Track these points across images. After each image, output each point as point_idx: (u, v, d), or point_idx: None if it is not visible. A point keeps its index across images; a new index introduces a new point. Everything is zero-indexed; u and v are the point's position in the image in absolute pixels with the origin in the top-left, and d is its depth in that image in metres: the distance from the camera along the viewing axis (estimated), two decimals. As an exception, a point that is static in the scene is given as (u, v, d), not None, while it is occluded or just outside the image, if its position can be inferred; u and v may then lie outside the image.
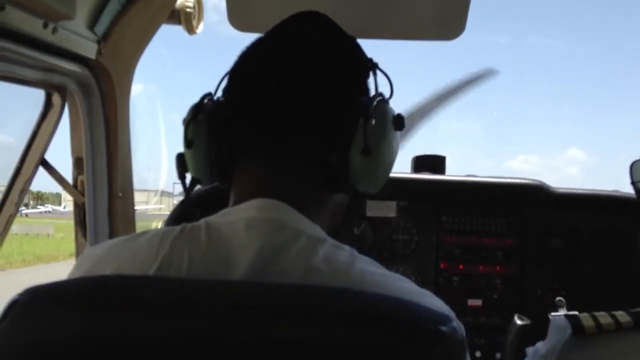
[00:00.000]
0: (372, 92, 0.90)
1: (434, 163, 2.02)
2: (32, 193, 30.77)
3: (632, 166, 0.86)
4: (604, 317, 0.74)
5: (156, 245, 0.78)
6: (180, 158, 0.92)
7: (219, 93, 0.91)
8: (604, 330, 0.72)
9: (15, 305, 0.67)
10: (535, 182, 1.88)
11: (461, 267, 1.87)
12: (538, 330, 1.79)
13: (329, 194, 0.89)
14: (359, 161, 0.84)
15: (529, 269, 1.85)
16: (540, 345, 0.81)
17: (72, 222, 1.74)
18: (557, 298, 1.73)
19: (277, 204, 0.82)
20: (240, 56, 0.92)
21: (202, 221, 0.82)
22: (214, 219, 0.82)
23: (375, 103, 0.85)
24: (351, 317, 0.65)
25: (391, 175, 1.95)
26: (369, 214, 1.90)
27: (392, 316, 0.66)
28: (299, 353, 0.63)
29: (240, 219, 0.80)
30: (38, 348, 0.65)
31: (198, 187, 0.98)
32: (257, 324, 0.65)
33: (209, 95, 0.90)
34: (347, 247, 0.81)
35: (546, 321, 1.70)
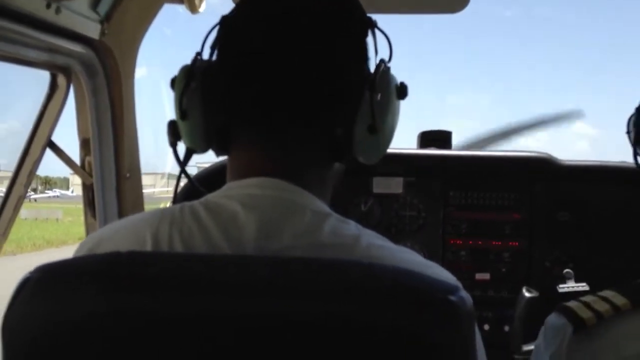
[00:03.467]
0: (371, 52, 0.87)
1: (440, 138, 2.01)
2: (40, 178, 30.98)
3: (630, 118, 0.87)
4: (598, 303, 0.71)
5: (155, 225, 0.78)
6: (172, 126, 0.88)
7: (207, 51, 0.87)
8: (604, 318, 0.70)
9: (27, 283, 0.68)
10: (542, 155, 1.87)
11: (469, 241, 1.87)
12: (546, 302, 1.80)
13: (329, 166, 0.88)
14: (365, 136, 0.83)
15: (537, 242, 1.85)
16: (540, 354, 0.77)
17: (80, 206, 1.75)
18: (565, 270, 1.73)
19: (278, 183, 0.81)
20: (229, 18, 0.87)
21: (202, 199, 0.81)
22: (213, 197, 0.82)
23: (380, 74, 0.84)
24: (359, 290, 0.65)
25: (397, 151, 1.94)
26: (375, 190, 1.89)
27: (401, 287, 0.66)
28: (309, 326, 0.64)
29: (241, 195, 0.80)
30: (52, 324, 0.66)
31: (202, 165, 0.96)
32: (272, 299, 0.65)
33: (199, 57, 0.86)
34: (352, 222, 0.81)
35: (554, 293, 1.71)
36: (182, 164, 0.92)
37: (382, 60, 0.86)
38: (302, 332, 0.64)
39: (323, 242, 0.76)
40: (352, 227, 0.80)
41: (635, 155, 0.79)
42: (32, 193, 49.37)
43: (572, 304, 0.73)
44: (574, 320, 0.70)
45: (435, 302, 0.65)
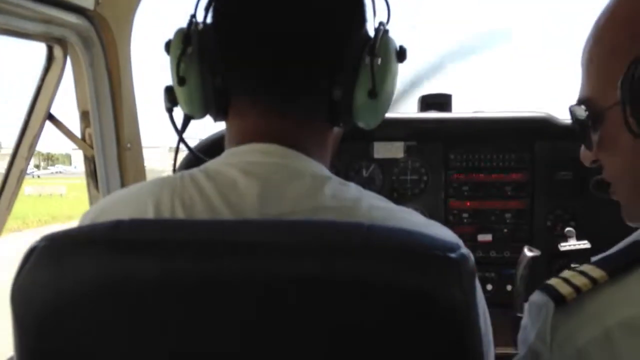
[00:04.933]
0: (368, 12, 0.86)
1: (440, 101, 2.00)
2: (42, 154, 31.08)
3: (570, 109, 0.88)
4: (577, 278, 0.71)
5: (156, 194, 0.78)
6: (169, 92, 0.88)
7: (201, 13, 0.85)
8: (583, 292, 0.70)
9: (34, 252, 0.68)
10: (543, 115, 1.86)
11: (470, 203, 1.88)
12: (548, 261, 1.82)
13: (328, 131, 0.88)
14: (364, 101, 0.82)
15: (539, 201, 1.86)
16: (527, 332, 0.77)
17: (84, 181, 1.75)
18: (567, 229, 1.74)
19: (277, 148, 0.81)
20: None
21: (201, 167, 0.82)
22: (213, 164, 0.82)
23: (380, 37, 0.83)
24: (361, 250, 0.65)
25: (397, 115, 1.93)
26: (376, 156, 1.90)
27: (401, 246, 0.67)
28: (313, 288, 0.64)
29: (240, 162, 0.80)
30: (59, 291, 0.67)
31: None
32: (275, 258, 0.65)
33: (194, 20, 0.84)
34: (352, 184, 0.81)
35: (556, 252, 1.73)
36: (180, 131, 0.92)
37: (381, 23, 0.85)
38: (306, 290, 0.64)
39: (324, 206, 0.76)
40: (352, 189, 0.80)
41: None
42: (35, 170, 49.43)
43: (552, 281, 0.73)
44: (554, 297, 0.70)
45: (435, 260, 0.65)
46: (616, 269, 0.69)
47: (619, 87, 0.74)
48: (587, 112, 0.83)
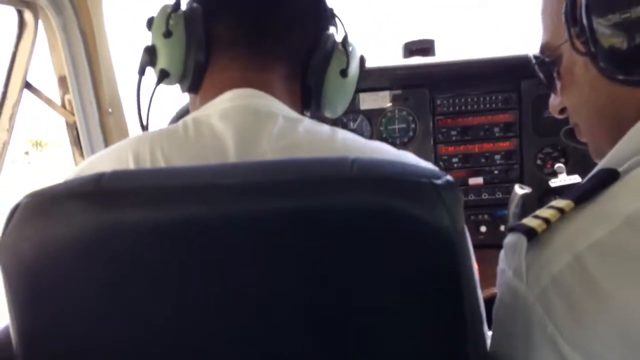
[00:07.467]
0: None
1: (424, 47, 1.98)
2: (32, 141, 30.95)
3: (530, 57, 0.95)
4: (545, 212, 0.70)
5: (135, 146, 0.80)
6: (150, 50, 0.90)
7: None
8: (552, 222, 0.69)
9: (18, 208, 0.68)
10: (528, 54, 1.84)
11: (460, 148, 1.88)
12: (539, 198, 1.83)
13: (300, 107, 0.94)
14: (336, 81, 0.91)
15: (527, 141, 1.86)
16: (504, 274, 0.77)
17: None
18: (557, 165, 1.74)
19: (251, 92, 0.84)
20: None
21: (179, 121, 0.83)
22: (190, 115, 0.84)
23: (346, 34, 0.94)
24: (351, 182, 0.65)
25: (382, 64, 1.91)
26: (362, 107, 1.88)
27: (387, 175, 0.66)
28: (303, 223, 0.64)
29: (215, 110, 0.82)
30: (43, 244, 0.66)
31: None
32: (262, 199, 0.65)
33: None
34: (324, 124, 0.84)
35: (547, 188, 1.73)
36: (155, 86, 0.93)
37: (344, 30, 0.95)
38: (300, 224, 0.64)
39: (299, 142, 0.78)
40: (325, 127, 0.83)
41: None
42: (25, 156, 49.15)
43: (522, 220, 0.74)
44: (525, 231, 0.69)
45: (421, 186, 0.65)
46: (581, 196, 0.69)
47: (563, 14, 0.75)
48: (546, 57, 0.87)
